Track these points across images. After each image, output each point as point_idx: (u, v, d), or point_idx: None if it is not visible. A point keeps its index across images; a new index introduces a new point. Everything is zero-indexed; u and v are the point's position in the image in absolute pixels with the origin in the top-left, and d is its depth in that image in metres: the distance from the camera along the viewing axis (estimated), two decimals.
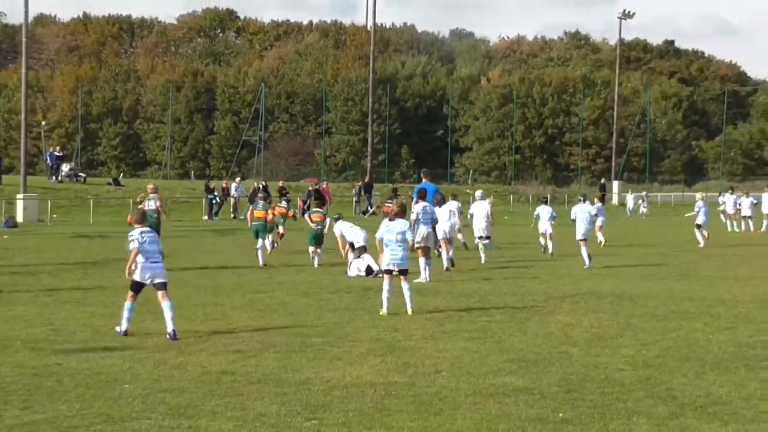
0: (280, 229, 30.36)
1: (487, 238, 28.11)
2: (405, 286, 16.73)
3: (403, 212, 17.51)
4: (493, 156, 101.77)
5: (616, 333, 14.54)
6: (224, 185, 58.80)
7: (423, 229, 22.33)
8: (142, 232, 14.60)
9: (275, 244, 29.82)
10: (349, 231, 24.57)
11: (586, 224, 26.57)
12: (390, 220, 17.16)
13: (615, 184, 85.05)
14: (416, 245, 22.24)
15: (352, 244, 24.28)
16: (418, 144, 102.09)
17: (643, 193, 69.64)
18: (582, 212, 26.87)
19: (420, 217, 22.59)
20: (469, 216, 29.07)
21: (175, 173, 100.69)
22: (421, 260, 21.90)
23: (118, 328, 14.41)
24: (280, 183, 57.04)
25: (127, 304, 14.45)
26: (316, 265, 25.78)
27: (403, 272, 16.79)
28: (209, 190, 54.21)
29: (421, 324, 15.32)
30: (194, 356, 12.60)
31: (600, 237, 32.07)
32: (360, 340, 13.82)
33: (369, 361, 12.26)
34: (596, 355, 12.69)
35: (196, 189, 63.65)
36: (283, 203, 33.61)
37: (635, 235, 40.68)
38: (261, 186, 54.82)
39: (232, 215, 53.60)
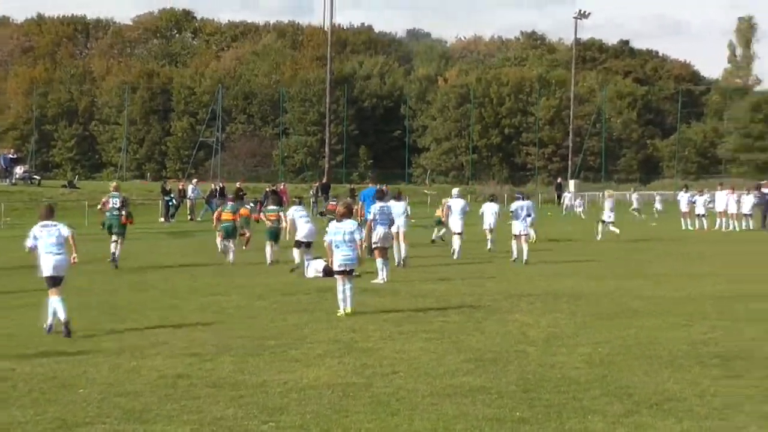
0: (246, 233, 30.83)
1: (461, 234, 28.95)
2: (348, 285, 16.74)
3: (349, 213, 17.57)
4: (450, 156, 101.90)
5: (573, 332, 14.61)
6: (181, 187, 58.45)
7: (380, 230, 22.40)
8: (42, 226, 14.72)
9: (245, 245, 30.60)
10: (298, 220, 24.51)
11: (524, 221, 27.50)
12: (337, 221, 17.17)
13: (571, 183, 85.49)
14: (373, 245, 22.34)
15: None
16: (376, 144, 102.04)
17: (577, 193, 70.48)
18: (520, 210, 27.80)
19: (377, 217, 22.63)
20: (446, 210, 30.63)
21: (131, 175, 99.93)
22: (379, 261, 21.91)
23: (63, 327, 14.39)
24: (238, 184, 56.83)
25: (52, 300, 14.49)
26: (269, 261, 26.20)
27: (349, 272, 16.81)
28: (165, 192, 53.88)
29: (378, 325, 15.32)
30: (150, 360, 12.51)
31: (532, 233, 33.01)
32: (317, 342, 13.79)
33: (326, 363, 12.24)
34: (553, 354, 12.75)
35: (152, 191, 63.30)
36: (250, 206, 33.84)
37: (588, 233, 40.85)
38: (219, 188, 54.66)
39: (188, 217, 53.29)
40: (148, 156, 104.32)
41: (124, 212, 26.96)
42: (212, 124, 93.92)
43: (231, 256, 27.37)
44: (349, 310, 16.51)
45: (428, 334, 14.42)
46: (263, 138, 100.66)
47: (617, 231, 36.49)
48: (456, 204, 29.96)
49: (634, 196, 59.02)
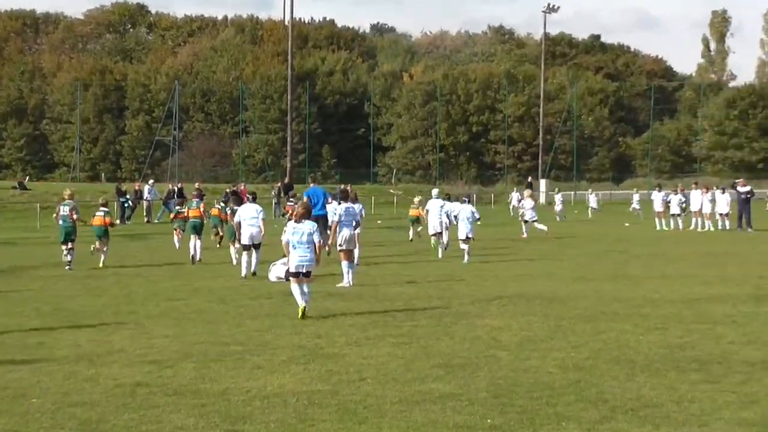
0: (219, 232, 32.72)
1: (440, 234, 30.54)
2: (305, 288, 16.75)
3: (308, 213, 17.56)
4: (416, 155, 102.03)
5: (546, 336, 14.64)
6: (137, 188, 58.25)
7: (345, 232, 22.36)
8: None
9: (218, 243, 32.76)
10: (243, 222, 24.21)
11: (468, 224, 28.81)
12: (296, 222, 17.16)
13: (542, 182, 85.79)
14: (338, 248, 22.34)
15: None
16: (340, 143, 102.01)
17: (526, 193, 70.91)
18: (465, 212, 29.16)
19: (342, 218, 22.60)
20: (425, 212, 31.98)
21: (85, 176, 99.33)
22: (344, 263, 21.89)
23: None
24: (196, 185, 56.60)
25: None
26: (235, 262, 26.69)
27: (306, 274, 16.84)
28: (121, 193, 53.62)
29: (344, 330, 15.30)
30: (106, 368, 12.42)
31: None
32: (281, 348, 13.75)
33: (291, 370, 12.20)
34: (525, 359, 12.77)
35: (107, 192, 62.87)
36: (220, 205, 34.05)
37: (560, 235, 41.08)
38: (176, 188, 54.45)
39: (145, 219, 53.09)
40: (103, 156, 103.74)
41: (104, 215, 28.24)
42: (169, 122, 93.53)
43: (198, 255, 28.07)
44: (302, 311, 16.51)
45: (396, 339, 14.41)
46: (222, 137, 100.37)
47: (544, 228, 38.82)
48: (434, 205, 31.09)
49: (557, 197, 59.51)
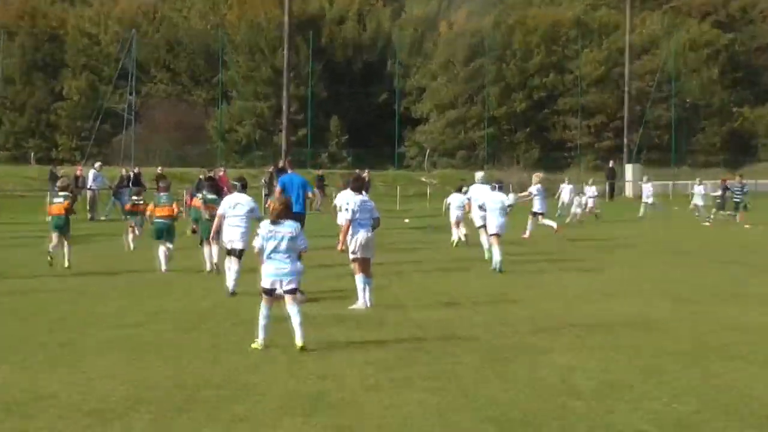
0: (196, 228, 32.68)
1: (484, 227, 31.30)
2: (293, 310, 16.69)
3: (287, 210, 17.31)
4: (457, 130, 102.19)
5: (636, 379, 14.55)
6: (78, 173, 58.37)
7: (361, 234, 22.13)
8: None
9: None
10: (228, 218, 24.25)
11: (500, 216, 29.32)
12: (272, 222, 16.93)
13: (628, 168, 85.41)
14: (351, 256, 22.18)
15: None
16: (353, 113, 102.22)
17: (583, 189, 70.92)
18: (494, 202, 29.62)
19: (357, 216, 22.35)
20: (466, 201, 33.66)
21: (8, 156, 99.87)
22: (359, 278, 21.73)
23: None
24: (159, 169, 56.75)
25: None
26: (208, 267, 27.52)
27: (291, 291, 16.68)
28: (56, 180, 53.76)
29: (358, 369, 15.19)
30: (32, 421, 12.34)
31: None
32: (272, 393, 13.67)
33: (285, 423, 12.13)
34: (609, 412, 12.68)
35: (36, 178, 63.24)
36: (200, 195, 34.31)
37: (652, 237, 40.99)
38: (132, 173, 54.56)
39: (88, 215, 53.19)
40: (32, 129, 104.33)
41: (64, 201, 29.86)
42: (122, 84, 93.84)
43: (164, 263, 28.64)
44: (300, 343, 16.51)
45: (429, 382, 14.34)
46: (194, 104, 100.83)
47: (553, 225, 39.93)
48: (480, 192, 31.88)
49: (566, 188, 59.25)
